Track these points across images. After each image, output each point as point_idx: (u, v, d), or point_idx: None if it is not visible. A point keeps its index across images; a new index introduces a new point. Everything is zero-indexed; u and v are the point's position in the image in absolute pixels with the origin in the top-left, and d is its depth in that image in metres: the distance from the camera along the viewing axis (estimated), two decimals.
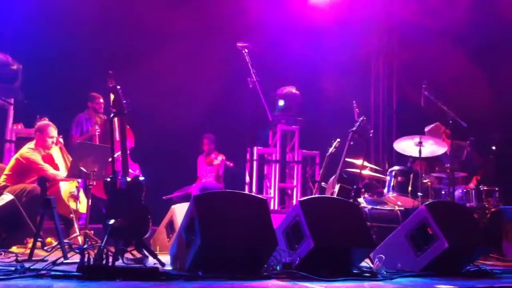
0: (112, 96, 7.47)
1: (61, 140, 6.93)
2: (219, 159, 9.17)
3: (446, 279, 4.66)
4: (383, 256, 4.75)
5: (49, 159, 6.78)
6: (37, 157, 6.60)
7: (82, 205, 6.79)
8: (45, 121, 6.88)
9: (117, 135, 6.00)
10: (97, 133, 7.93)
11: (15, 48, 8.01)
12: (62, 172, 6.75)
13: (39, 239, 5.36)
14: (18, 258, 4.84)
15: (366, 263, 5.02)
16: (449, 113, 7.24)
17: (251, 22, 9.32)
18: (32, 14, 8.37)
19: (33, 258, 4.96)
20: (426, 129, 7.97)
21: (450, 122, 7.22)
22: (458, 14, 9.22)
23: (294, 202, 9.35)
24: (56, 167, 6.76)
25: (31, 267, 4.12)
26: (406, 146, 7.35)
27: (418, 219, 5.11)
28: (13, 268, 4.08)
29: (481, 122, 8.29)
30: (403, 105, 10.48)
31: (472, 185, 7.61)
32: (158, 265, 4.75)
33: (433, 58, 9.74)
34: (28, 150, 6.70)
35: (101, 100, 8.26)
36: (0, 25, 8.11)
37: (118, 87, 5.20)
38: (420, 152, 7.05)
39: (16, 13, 8.28)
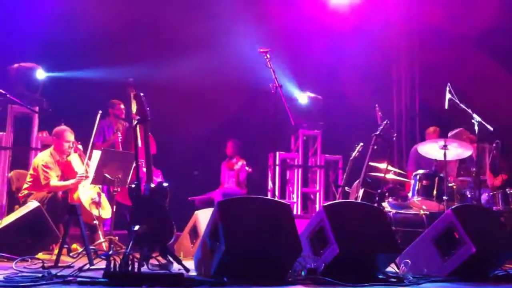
0: (134, 104, 7.60)
1: (80, 147, 6.98)
2: (239, 164, 9.17)
3: (473, 284, 4.61)
4: (409, 261, 4.70)
5: (67, 166, 6.84)
6: (47, 164, 6.65)
7: (105, 211, 6.83)
8: (62, 126, 6.95)
9: (139, 142, 6.04)
10: (119, 140, 8.00)
11: (39, 56, 8.13)
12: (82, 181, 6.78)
13: (65, 246, 5.40)
14: (45, 264, 4.87)
15: (392, 268, 4.97)
16: (474, 116, 7.15)
17: (272, 27, 9.33)
18: (55, 24, 8.48)
19: (59, 265, 5.01)
20: (450, 134, 7.88)
21: (476, 125, 7.13)
22: (480, 17, 9.13)
23: (317, 207, 9.32)
24: (74, 175, 6.81)
25: (58, 274, 4.15)
26: (430, 149, 7.26)
27: (445, 224, 5.05)
28: (40, 275, 4.12)
29: (506, 125, 8.18)
30: (426, 108, 10.40)
31: (498, 182, 7.50)
32: (183, 271, 4.75)
33: (455, 60, 9.64)
34: (41, 156, 6.78)
35: (122, 106, 8.33)
36: (25, 35, 8.25)
37: (142, 94, 5.21)
38: (445, 155, 6.96)
39: (40, 24, 8.40)
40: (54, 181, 6.67)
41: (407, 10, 10.81)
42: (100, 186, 6.97)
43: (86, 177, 6.69)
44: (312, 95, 9.50)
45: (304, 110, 9.41)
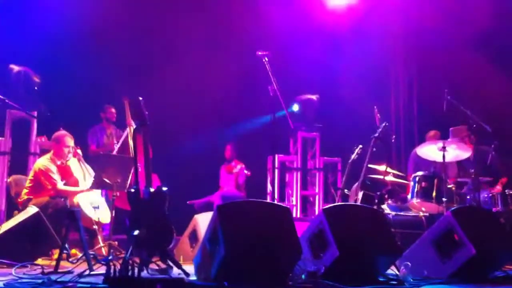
0: (128, 112, 7.64)
1: (79, 151, 6.99)
2: (238, 167, 9.19)
3: (473, 286, 4.61)
4: (409, 263, 4.70)
5: (66, 171, 6.83)
6: (49, 169, 6.65)
7: (105, 216, 6.83)
8: (62, 131, 6.94)
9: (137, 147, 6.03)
10: (115, 147, 8.01)
11: (35, 62, 8.12)
12: (81, 185, 6.79)
13: (64, 251, 5.39)
14: (44, 270, 4.86)
15: (392, 271, 4.97)
16: (472, 117, 7.15)
17: (270, 30, 9.34)
18: (50, 29, 8.47)
19: (59, 270, 4.99)
20: (451, 128, 7.89)
21: (474, 126, 7.14)
22: (477, 18, 9.14)
23: (316, 209, 9.32)
24: (74, 179, 6.81)
25: (58, 280, 4.15)
26: (429, 151, 7.26)
27: (444, 225, 5.06)
28: (40, 281, 4.12)
29: (505, 127, 8.19)
30: (424, 110, 10.40)
31: (498, 188, 7.52)
32: (183, 276, 4.75)
33: (453, 62, 9.65)
34: (42, 161, 6.78)
35: (113, 110, 8.41)
36: (21, 40, 8.24)
37: (140, 98, 5.21)
38: (443, 157, 6.96)
39: (36, 29, 8.40)
40: (61, 185, 6.68)
41: (405, 12, 10.81)
42: (100, 191, 6.98)
43: None
44: (307, 96, 9.49)
45: (301, 112, 9.40)
